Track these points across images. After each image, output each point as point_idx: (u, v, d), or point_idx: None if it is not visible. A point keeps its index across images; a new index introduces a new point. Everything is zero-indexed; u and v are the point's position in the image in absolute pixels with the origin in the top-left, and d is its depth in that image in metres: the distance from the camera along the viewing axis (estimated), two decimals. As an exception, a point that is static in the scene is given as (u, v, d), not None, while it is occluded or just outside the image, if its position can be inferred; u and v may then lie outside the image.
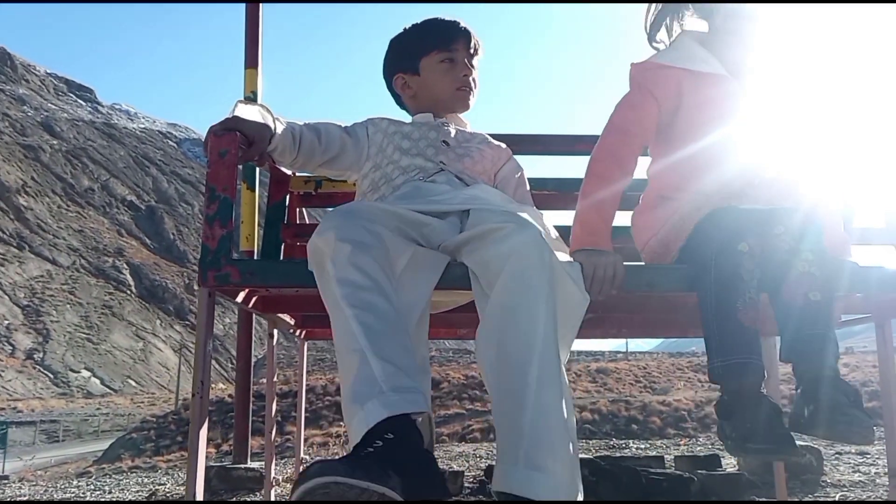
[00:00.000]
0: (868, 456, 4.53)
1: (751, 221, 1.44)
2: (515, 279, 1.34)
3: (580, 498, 1.23)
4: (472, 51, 2.01)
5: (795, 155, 1.72)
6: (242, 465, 3.67)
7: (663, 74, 1.69)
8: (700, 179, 1.66)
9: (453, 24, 2.02)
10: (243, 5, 3.89)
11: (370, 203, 1.54)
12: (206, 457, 1.49)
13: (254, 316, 2.49)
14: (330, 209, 2.41)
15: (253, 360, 3.83)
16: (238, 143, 1.56)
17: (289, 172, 2.22)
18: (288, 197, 2.30)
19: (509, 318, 1.33)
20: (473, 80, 2.00)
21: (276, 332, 2.18)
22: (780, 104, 1.71)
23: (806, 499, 3.21)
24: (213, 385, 1.58)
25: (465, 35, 2.01)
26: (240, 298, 1.66)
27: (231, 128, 1.58)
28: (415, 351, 1.31)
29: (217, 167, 1.52)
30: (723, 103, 1.67)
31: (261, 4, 3.85)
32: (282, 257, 2.21)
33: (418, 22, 2.06)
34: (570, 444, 1.24)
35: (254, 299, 1.79)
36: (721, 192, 1.62)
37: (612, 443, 7.44)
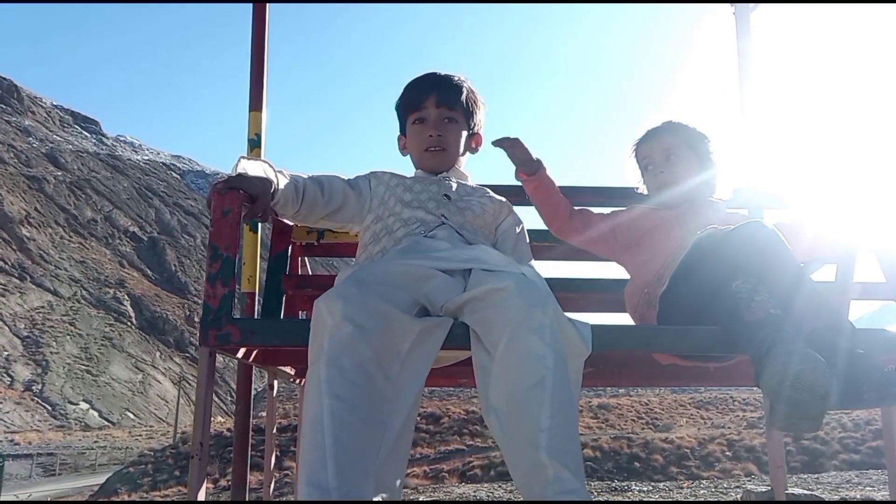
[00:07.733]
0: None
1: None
2: (519, 343, 1.35)
3: None
4: (445, 104, 1.94)
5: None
6: (240, 509, 3.62)
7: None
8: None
9: (424, 81, 1.98)
10: (249, 45, 3.92)
11: (384, 269, 1.54)
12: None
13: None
14: (335, 259, 2.42)
15: (252, 391, 3.79)
16: (241, 201, 1.56)
17: (291, 223, 2.22)
18: (290, 247, 2.30)
19: (516, 375, 1.34)
20: (442, 136, 1.93)
21: (276, 382, 2.17)
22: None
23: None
24: (211, 418, 1.56)
25: (436, 88, 1.94)
26: (240, 354, 1.65)
27: (235, 186, 1.59)
28: (399, 437, 1.32)
29: (220, 225, 1.52)
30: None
31: (266, 46, 3.88)
32: (283, 307, 2.21)
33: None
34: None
35: (254, 353, 1.79)
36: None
37: (613, 485, 7.36)
